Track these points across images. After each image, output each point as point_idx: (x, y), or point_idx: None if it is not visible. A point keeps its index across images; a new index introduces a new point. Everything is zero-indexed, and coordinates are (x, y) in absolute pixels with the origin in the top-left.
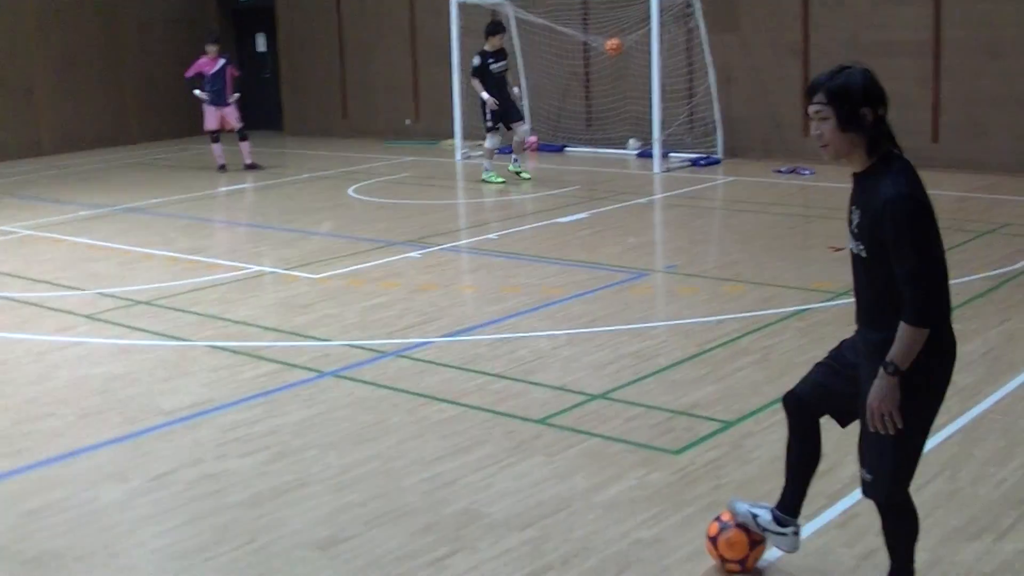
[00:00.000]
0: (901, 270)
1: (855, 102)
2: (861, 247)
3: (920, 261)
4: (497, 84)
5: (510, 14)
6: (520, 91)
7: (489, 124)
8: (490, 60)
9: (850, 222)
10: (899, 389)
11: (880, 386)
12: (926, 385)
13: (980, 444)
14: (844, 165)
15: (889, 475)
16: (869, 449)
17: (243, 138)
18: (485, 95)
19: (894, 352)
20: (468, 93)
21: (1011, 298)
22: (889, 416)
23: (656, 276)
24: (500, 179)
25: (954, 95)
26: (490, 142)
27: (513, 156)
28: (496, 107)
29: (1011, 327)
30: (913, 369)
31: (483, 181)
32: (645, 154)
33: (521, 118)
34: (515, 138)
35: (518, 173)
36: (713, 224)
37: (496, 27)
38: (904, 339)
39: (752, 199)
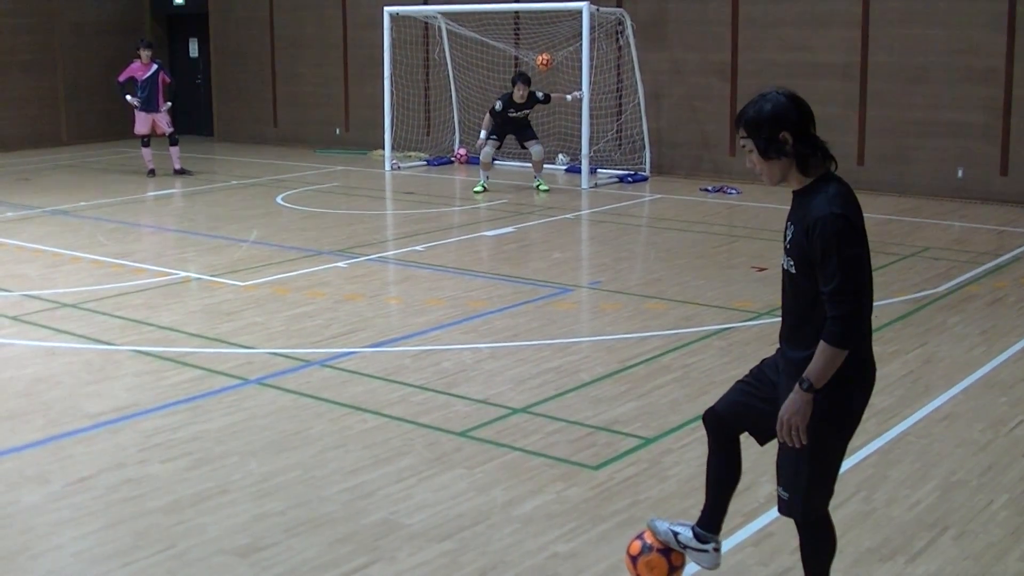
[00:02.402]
0: (826, 288)
1: (771, 130)
2: (791, 263)
3: (845, 280)
4: (516, 124)
5: (442, 27)
6: (582, 95)
7: (482, 138)
8: (511, 110)
9: (784, 238)
10: (811, 406)
11: (793, 400)
12: (844, 408)
13: (896, 466)
14: (785, 187)
15: (804, 494)
16: (785, 468)
17: (173, 143)
18: (481, 136)
19: (811, 369)
20: (402, 105)
21: (930, 321)
22: (796, 431)
23: (580, 292)
24: (478, 188)
25: (880, 119)
26: (482, 154)
27: (533, 174)
28: (482, 148)
29: (929, 350)
30: (833, 391)
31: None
32: (573, 169)
33: (535, 138)
34: (532, 158)
35: (538, 187)
36: (638, 241)
37: (516, 78)
38: (822, 357)
39: (678, 217)
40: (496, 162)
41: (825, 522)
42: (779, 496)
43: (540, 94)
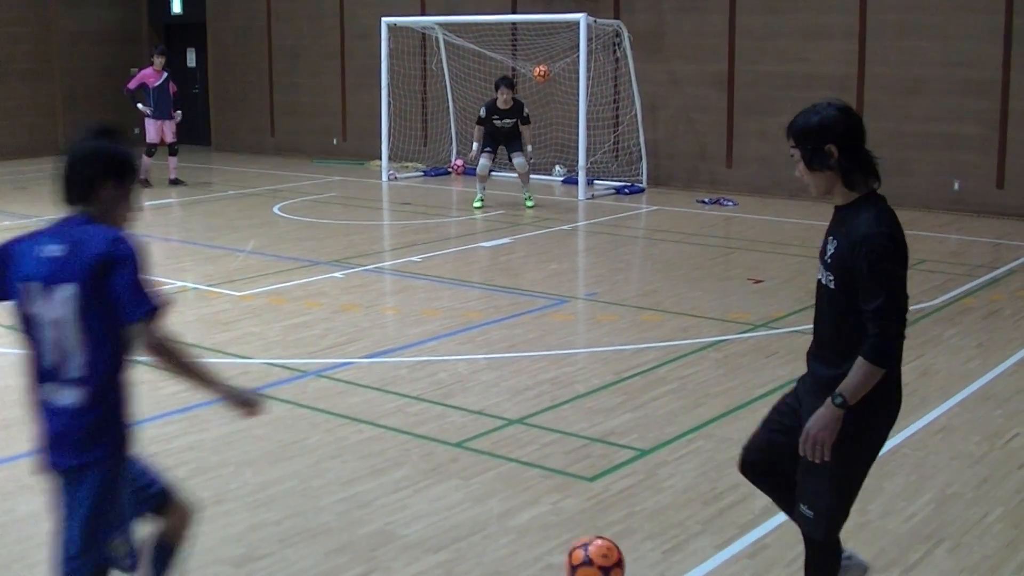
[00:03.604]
0: (869, 306)
1: (817, 141)
2: (831, 278)
3: (891, 299)
4: (505, 134)
5: (439, 38)
6: (532, 151)
7: (474, 151)
8: (495, 116)
9: (824, 251)
10: (840, 423)
11: (823, 415)
12: (872, 428)
13: (891, 478)
14: (829, 200)
15: (828, 514)
16: (809, 486)
17: (173, 153)
18: (474, 149)
19: (846, 385)
20: (399, 115)
21: (926, 334)
22: (822, 446)
23: (577, 303)
24: (477, 203)
25: (876, 131)
26: (479, 166)
27: (521, 186)
28: (474, 161)
29: (925, 363)
30: (862, 410)
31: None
32: (570, 181)
33: (519, 150)
34: (517, 170)
35: (525, 201)
36: (635, 252)
37: (499, 82)
38: (859, 375)
39: (674, 229)
40: (493, 173)
41: (837, 543)
42: (803, 514)
43: (526, 111)
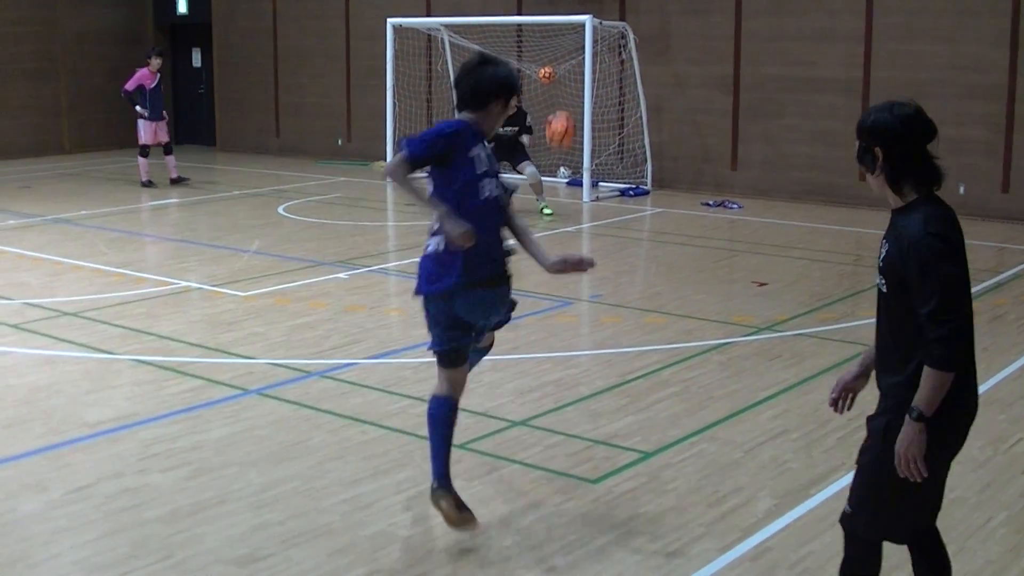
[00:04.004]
0: (924, 310)
1: (866, 141)
2: (883, 282)
3: (944, 300)
4: (507, 145)
5: (445, 39)
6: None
7: None
8: None
9: (879, 256)
10: (925, 435)
11: (906, 432)
12: (933, 439)
13: None
14: (888, 205)
15: (852, 508)
16: (853, 481)
17: (169, 152)
18: None
19: (919, 398)
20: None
21: None
22: (915, 463)
23: (581, 305)
24: None
25: None
26: None
27: (535, 197)
28: None
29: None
30: (899, 416)
31: None
32: (575, 183)
33: (527, 159)
34: (528, 181)
35: (542, 210)
36: (639, 255)
37: None
38: (928, 383)
39: (679, 231)
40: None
41: (874, 549)
42: (844, 509)
43: (529, 120)
